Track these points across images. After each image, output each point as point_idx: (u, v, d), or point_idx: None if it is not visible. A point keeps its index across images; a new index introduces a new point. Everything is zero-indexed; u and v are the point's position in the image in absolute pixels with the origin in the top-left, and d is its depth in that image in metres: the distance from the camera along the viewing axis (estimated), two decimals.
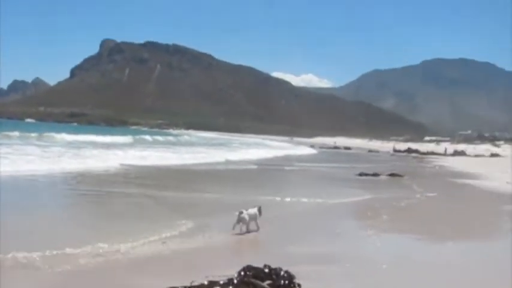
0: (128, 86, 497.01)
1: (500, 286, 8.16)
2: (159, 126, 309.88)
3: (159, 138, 78.39)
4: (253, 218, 12.01)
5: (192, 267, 8.31)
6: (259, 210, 12.20)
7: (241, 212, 11.73)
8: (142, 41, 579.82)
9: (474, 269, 9.40)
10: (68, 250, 9.02)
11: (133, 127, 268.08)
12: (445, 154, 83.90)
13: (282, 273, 7.59)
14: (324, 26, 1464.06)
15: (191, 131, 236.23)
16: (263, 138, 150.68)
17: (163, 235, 10.65)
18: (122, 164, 27.34)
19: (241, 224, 11.70)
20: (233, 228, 11.56)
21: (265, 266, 7.73)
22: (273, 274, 7.58)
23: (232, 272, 7.62)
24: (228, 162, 35.67)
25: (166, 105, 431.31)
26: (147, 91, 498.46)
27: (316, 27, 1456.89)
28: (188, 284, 7.16)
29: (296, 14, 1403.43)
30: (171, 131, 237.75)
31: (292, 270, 7.69)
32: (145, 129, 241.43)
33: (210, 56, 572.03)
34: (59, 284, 7.57)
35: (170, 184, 21.12)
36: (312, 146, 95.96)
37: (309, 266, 8.71)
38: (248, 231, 11.71)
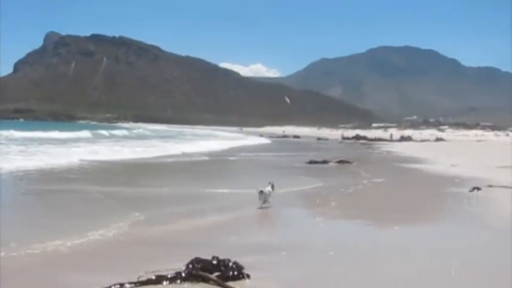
0: (74, 79, 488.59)
1: (445, 268, 8.28)
2: (108, 120, 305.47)
3: (116, 132, 77.21)
4: (270, 193, 14.20)
5: (139, 262, 8.14)
6: (273, 186, 14.42)
7: (261, 191, 13.95)
8: (88, 34, 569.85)
9: (420, 252, 9.48)
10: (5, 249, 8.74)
11: (81, 121, 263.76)
12: (391, 140, 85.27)
13: (230, 264, 7.52)
14: (271, 15, 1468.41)
15: (140, 124, 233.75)
16: (213, 130, 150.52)
17: (111, 230, 10.44)
18: (81, 160, 26.67)
19: (262, 197, 13.92)
20: (259, 200, 13.87)
21: (213, 257, 7.65)
22: (222, 266, 7.51)
23: (180, 265, 7.54)
24: (184, 154, 35.35)
25: (113, 98, 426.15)
26: (94, 85, 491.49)
27: (264, 17, 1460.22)
28: (135, 280, 7.03)
29: (244, 3, 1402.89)
30: (119, 124, 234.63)
31: (241, 261, 7.63)
32: (94, 123, 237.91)
33: (157, 48, 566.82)
34: None
35: (126, 179, 20.81)
36: (261, 136, 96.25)
37: (257, 256, 8.64)
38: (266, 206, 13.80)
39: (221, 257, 7.65)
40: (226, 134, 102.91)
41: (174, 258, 8.05)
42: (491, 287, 7.60)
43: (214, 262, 7.57)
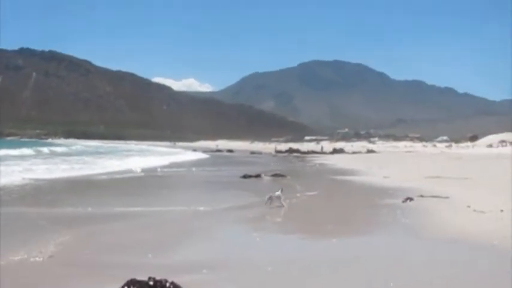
0: (2, 94, 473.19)
1: (385, 279, 8.32)
2: (38, 136, 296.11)
3: (56, 149, 74.39)
4: (278, 197, 17.06)
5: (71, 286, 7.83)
6: (282, 190, 17.35)
7: (270, 197, 17.05)
8: (16, 48, 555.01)
9: (359, 263, 9.49)
10: None
11: (10, 138, 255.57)
12: (322, 152, 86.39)
13: (167, 284, 7.26)
14: (204, 29, 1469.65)
15: (72, 140, 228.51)
16: (148, 145, 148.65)
17: (38, 252, 9.97)
18: (23, 178, 25.55)
19: (270, 201, 16.92)
20: (265, 204, 16.84)
21: (149, 278, 7.34)
22: (159, 287, 7.23)
23: (115, 287, 7.25)
24: (126, 171, 34.23)
25: (43, 114, 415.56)
26: (23, 100, 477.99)
27: (196, 31, 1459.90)
28: None
29: (177, 17, 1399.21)
30: (50, 140, 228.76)
31: (178, 280, 7.36)
32: (24, 140, 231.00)
33: (88, 62, 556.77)
34: None
35: (64, 197, 20.06)
36: (195, 150, 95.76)
37: (194, 275, 8.38)
38: (273, 206, 16.66)
39: (157, 278, 7.36)
40: (163, 149, 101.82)
41: (107, 281, 7.77)
42: None
43: (151, 283, 7.25)
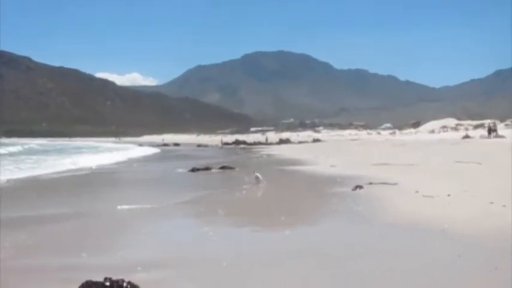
0: None
1: (340, 266, 8.34)
2: None
3: (12, 149, 71.77)
4: (258, 177, 20.97)
5: None
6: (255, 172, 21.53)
7: (257, 176, 20.96)
8: None
9: (312, 254, 9.47)
10: None
11: None
12: (267, 143, 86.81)
13: (124, 285, 7.03)
14: (145, 22, 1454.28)
15: (15, 139, 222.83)
16: (95, 141, 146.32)
17: None
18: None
19: (257, 180, 20.79)
20: (254, 183, 20.73)
21: (105, 279, 7.09)
22: (116, 287, 7.00)
23: None
24: (79, 169, 33.29)
25: None
26: None
27: (138, 24, 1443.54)
28: None
29: (117, 11, 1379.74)
30: None
31: (133, 280, 7.16)
32: None
33: (28, 59, 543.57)
34: None
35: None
36: (141, 145, 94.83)
37: (148, 273, 8.17)
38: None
39: (113, 278, 7.14)
40: (111, 145, 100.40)
41: (61, 283, 7.52)
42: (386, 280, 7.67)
43: (107, 284, 7.01)
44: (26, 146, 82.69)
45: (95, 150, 72.41)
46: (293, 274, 8.20)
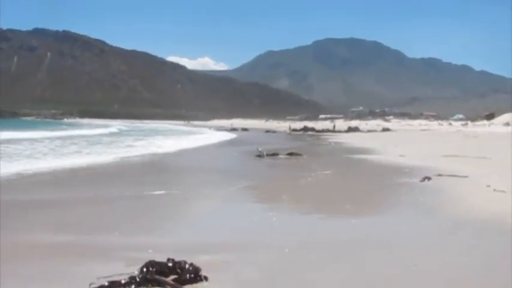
0: (17, 75, 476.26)
1: (407, 259, 8.18)
2: (53, 116, 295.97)
3: (101, 131, 74.32)
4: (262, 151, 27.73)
5: (92, 271, 7.78)
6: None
7: (260, 151, 27.92)
8: (30, 28, 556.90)
9: (379, 245, 9.27)
10: None
11: (25, 118, 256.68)
12: (334, 130, 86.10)
13: (187, 266, 7.07)
14: (219, 7, 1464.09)
15: (89, 120, 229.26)
16: (169, 124, 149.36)
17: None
18: (122, 158, 27.56)
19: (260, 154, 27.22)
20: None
21: (168, 260, 7.17)
22: (178, 268, 7.06)
23: (133, 269, 7.13)
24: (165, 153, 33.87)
25: (58, 94, 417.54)
26: (38, 80, 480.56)
27: (211, 9, 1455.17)
28: None
29: None
30: (65, 120, 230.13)
31: (196, 261, 7.21)
32: (39, 119, 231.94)
33: (102, 42, 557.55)
34: None
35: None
36: (210, 129, 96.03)
37: (212, 256, 8.24)
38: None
39: (176, 259, 7.21)
40: (186, 128, 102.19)
41: (125, 262, 7.68)
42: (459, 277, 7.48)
43: (170, 265, 7.09)
44: (114, 129, 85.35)
45: (177, 133, 74.38)
46: (357, 265, 8.05)
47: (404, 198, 14.79)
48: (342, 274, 7.65)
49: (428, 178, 17.45)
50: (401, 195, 15.30)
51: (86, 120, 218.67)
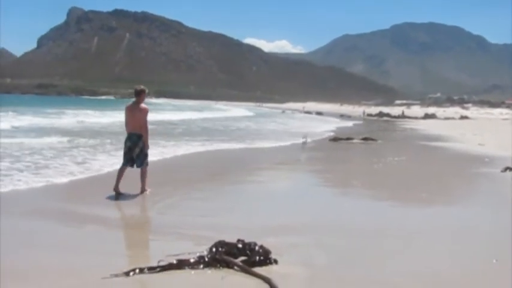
0: (97, 55, 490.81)
1: (488, 252, 7.79)
2: (130, 95, 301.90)
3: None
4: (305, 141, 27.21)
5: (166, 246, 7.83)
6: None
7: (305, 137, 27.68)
8: (110, 9, 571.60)
9: (457, 236, 8.83)
10: None
11: (103, 97, 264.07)
12: (405, 116, 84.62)
13: (256, 248, 6.91)
14: None
15: (167, 100, 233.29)
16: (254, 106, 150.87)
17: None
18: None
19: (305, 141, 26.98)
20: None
21: (238, 240, 7.05)
22: (247, 250, 6.91)
23: (202, 248, 7.10)
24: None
25: (135, 74, 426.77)
26: (116, 60, 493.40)
27: None
28: (155, 264, 6.62)
29: None
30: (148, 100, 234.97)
31: (266, 243, 7.04)
32: (115, 98, 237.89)
33: (179, 23, 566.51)
34: None
35: None
36: (283, 112, 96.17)
37: (280, 238, 8.06)
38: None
39: (246, 240, 7.10)
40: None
41: (194, 242, 7.65)
42: None
43: (240, 246, 6.96)
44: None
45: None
46: (434, 256, 7.67)
47: (484, 189, 14.22)
48: (411, 266, 7.17)
49: (510, 169, 16.67)
50: (480, 185, 14.73)
51: (161, 100, 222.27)
